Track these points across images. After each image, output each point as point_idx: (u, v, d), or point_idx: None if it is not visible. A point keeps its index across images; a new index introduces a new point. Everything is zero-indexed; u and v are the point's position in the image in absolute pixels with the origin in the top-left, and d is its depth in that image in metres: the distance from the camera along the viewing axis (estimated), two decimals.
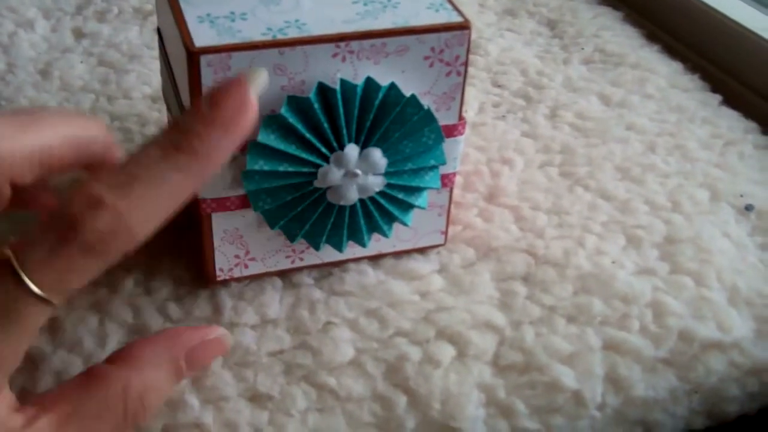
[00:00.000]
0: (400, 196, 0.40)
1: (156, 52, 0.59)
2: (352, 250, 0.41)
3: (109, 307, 0.40)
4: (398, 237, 0.42)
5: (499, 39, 0.65)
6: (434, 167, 0.40)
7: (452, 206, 0.43)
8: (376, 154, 0.37)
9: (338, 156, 0.37)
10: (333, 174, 0.37)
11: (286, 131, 0.36)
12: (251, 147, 0.36)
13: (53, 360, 0.38)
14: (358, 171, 0.37)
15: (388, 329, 0.39)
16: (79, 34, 0.63)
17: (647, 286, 0.42)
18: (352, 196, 0.38)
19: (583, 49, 0.64)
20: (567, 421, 0.38)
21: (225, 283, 0.41)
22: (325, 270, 0.42)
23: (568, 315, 0.41)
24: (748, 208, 0.48)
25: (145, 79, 0.57)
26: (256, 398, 0.37)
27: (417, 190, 0.40)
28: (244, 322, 0.39)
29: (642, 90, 0.59)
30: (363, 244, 0.40)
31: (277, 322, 0.40)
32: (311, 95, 0.35)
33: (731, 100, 0.59)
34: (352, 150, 0.37)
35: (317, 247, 0.40)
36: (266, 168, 0.36)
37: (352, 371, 0.38)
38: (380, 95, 0.36)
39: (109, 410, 0.32)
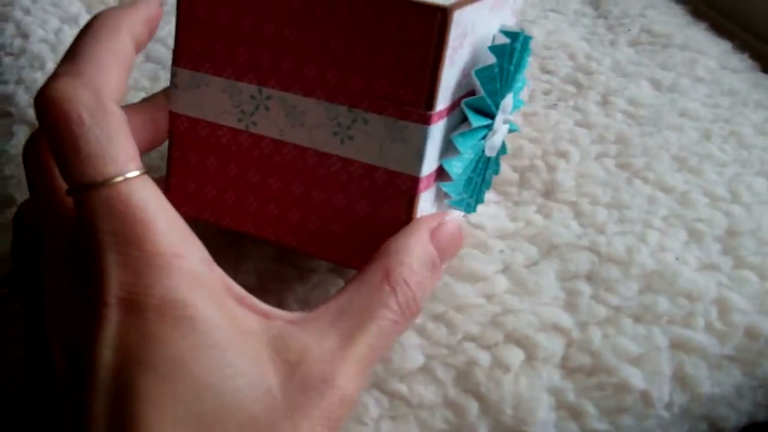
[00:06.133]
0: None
1: None
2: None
3: None
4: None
5: (543, 21, 0.64)
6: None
7: (510, 203, 0.44)
8: (510, 100, 0.39)
9: (503, 102, 0.38)
10: (499, 121, 0.38)
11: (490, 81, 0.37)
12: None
13: None
14: (511, 117, 0.40)
15: (456, 334, 0.39)
16: None
17: (711, 283, 0.42)
18: (498, 143, 0.40)
19: (629, 30, 0.63)
20: (635, 420, 0.38)
21: (292, 292, 0.41)
22: None
23: (634, 315, 0.41)
24: None
25: None
26: None
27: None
28: None
29: (692, 73, 0.58)
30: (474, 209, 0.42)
31: None
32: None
33: None
34: (509, 96, 0.39)
35: (473, 208, 0.41)
36: (479, 123, 0.37)
37: (422, 378, 0.38)
38: (520, 40, 0.37)
39: (379, 300, 0.32)
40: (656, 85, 0.57)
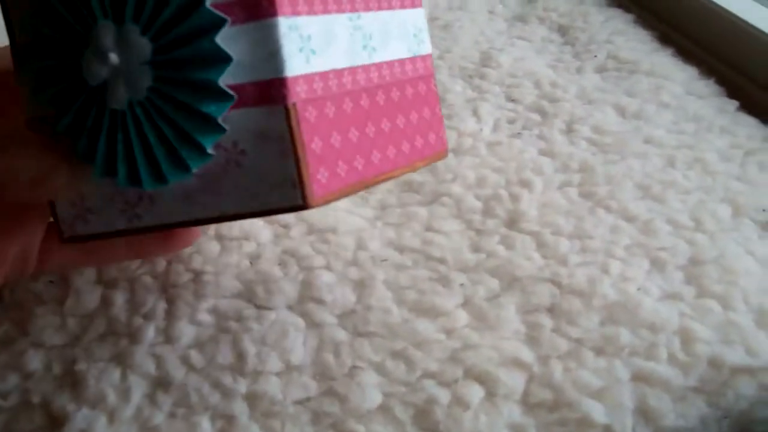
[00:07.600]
0: (181, 96, 0.30)
1: None
2: (193, 208, 0.32)
3: (130, 358, 0.39)
4: (237, 187, 0.31)
5: (510, 48, 0.64)
6: (217, 59, 0.29)
7: (473, 232, 0.42)
8: (134, 32, 0.29)
9: (92, 35, 0.30)
10: (92, 62, 0.30)
11: None
12: None
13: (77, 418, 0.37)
14: (113, 55, 0.29)
15: (415, 371, 0.39)
16: None
17: (674, 313, 0.42)
18: (120, 94, 0.30)
19: (595, 56, 0.63)
20: None
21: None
22: (347, 308, 0.42)
23: (596, 347, 0.40)
24: None
25: None
26: None
27: (204, 89, 0.29)
28: (269, 370, 0.39)
29: (657, 99, 0.58)
30: (164, 180, 0.31)
31: (302, 368, 0.39)
32: None
33: (748, 105, 0.59)
34: (104, 28, 0.29)
35: (115, 173, 0.31)
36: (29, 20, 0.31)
37: (380, 417, 0.37)
38: None
39: None
40: (621, 112, 0.57)
